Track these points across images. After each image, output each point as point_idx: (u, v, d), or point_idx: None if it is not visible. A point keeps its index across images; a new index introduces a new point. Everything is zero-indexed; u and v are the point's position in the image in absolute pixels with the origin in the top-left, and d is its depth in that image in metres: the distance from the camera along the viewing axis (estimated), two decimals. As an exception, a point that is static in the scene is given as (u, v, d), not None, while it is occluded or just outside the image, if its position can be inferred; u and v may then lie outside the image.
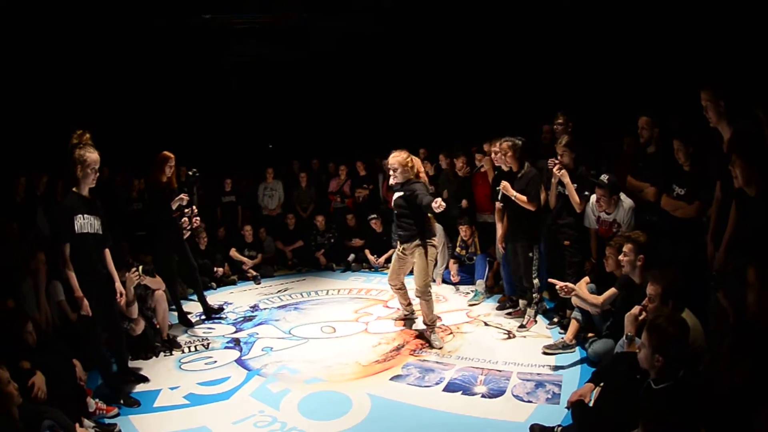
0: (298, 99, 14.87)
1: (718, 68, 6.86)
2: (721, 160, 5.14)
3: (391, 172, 7.39)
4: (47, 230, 8.61)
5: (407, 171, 7.28)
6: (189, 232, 8.59)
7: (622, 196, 6.90)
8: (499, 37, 10.95)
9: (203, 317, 8.79)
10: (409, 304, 8.19)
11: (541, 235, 7.73)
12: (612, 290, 6.17)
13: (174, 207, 8.14)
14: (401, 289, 8.04)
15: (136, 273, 6.48)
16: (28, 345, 5.32)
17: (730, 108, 5.14)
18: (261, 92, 14.88)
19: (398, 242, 7.62)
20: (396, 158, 7.32)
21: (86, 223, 5.67)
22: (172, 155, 8.22)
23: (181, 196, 8.20)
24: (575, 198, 7.21)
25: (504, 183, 7.58)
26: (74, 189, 5.67)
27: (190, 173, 9.07)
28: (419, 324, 7.92)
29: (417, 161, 7.53)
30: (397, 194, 7.43)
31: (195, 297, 8.99)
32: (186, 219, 8.44)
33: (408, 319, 8.19)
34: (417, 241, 7.29)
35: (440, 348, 7.16)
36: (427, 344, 7.39)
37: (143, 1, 9.48)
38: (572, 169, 7.31)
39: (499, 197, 7.87)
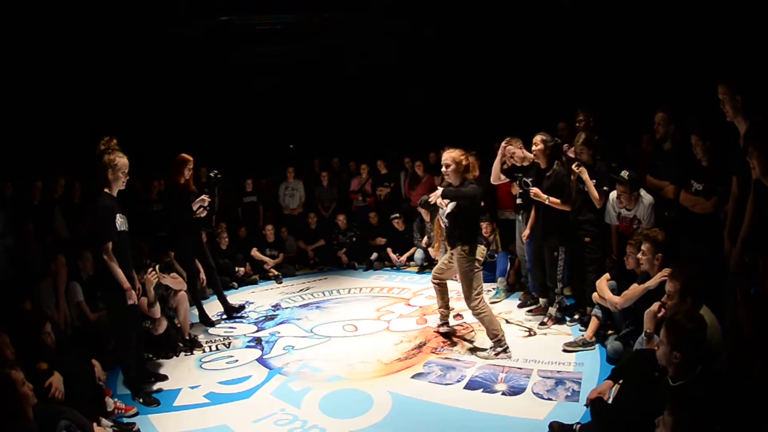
0: (318, 98, 14.87)
1: (735, 63, 6.80)
2: (738, 155, 5.09)
3: (443, 169, 6.76)
4: (65, 232, 8.73)
5: (460, 169, 6.70)
6: (205, 211, 8.48)
7: (642, 192, 6.87)
8: (516, 34, 10.90)
9: (224, 317, 8.84)
10: (445, 306, 7.86)
11: (567, 235, 7.62)
12: (634, 286, 6.12)
13: (195, 208, 8.15)
14: (440, 287, 7.68)
15: (154, 273, 6.53)
16: (46, 346, 5.39)
17: (747, 102, 5.09)
18: (282, 92, 14.91)
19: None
20: (450, 154, 6.69)
21: (122, 222, 5.84)
22: (191, 158, 8.25)
23: (203, 197, 8.21)
24: (594, 194, 7.19)
25: (534, 190, 7.43)
26: (106, 190, 5.79)
27: (212, 174, 9.10)
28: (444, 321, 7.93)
29: (473, 160, 6.98)
30: (449, 205, 6.79)
31: (216, 297, 9.04)
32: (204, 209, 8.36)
33: (443, 324, 7.91)
34: (459, 248, 6.81)
35: (486, 358, 6.84)
36: (448, 342, 7.41)
37: (162, 2, 9.52)
38: (590, 165, 7.30)
39: (519, 183, 7.93)
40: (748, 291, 4.78)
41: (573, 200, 7.46)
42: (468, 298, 6.90)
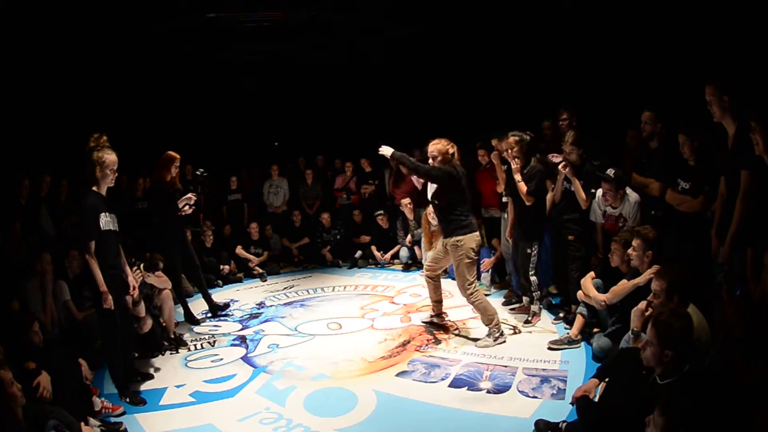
0: (303, 96, 14.84)
1: (722, 63, 6.82)
2: (726, 155, 5.12)
3: (430, 161, 7.03)
4: (51, 230, 8.67)
5: (447, 159, 6.96)
6: (192, 209, 8.47)
7: (628, 190, 6.88)
8: (500, 32, 10.89)
9: (209, 315, 8.81)
10: (438, 301, 7.95)
11: (543, 234, 7.65)
12: (623, 282, 6.13)
13: (181, 206, 8.14)
14: (433, 282, 7.77)
15: (138, 272, 6.52)
16: (34, 345, 5.36)
17: (734, 103, 5.12)
18: (266, 90, 14.86)
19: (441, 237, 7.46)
20: (435, 146, 7.00)
21: (108, 221, 5.80)
22: (177, 155, 8.24)
23: (189, 195, 8.20)
24: (581, 195, 7.18)
25: (514, 165, 7.41)
26: (94, 188, 5.76)
27: (198, 173, 9.07)
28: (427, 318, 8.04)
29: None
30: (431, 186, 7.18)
31: (200, 295, 9.00)
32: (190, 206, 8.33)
33: (435, 316, 8.02)
34: (453, 238, 6.98)
35: (486, 347, 6.97)
36: (433, 340, 7.40)
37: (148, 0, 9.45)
38: (579, 165, 7.30)
39: (504, 189, 7.92)
40: (734, 291, 4.82)
41: (537, 197, 7.44)
42: (462, 287, 7.05)
